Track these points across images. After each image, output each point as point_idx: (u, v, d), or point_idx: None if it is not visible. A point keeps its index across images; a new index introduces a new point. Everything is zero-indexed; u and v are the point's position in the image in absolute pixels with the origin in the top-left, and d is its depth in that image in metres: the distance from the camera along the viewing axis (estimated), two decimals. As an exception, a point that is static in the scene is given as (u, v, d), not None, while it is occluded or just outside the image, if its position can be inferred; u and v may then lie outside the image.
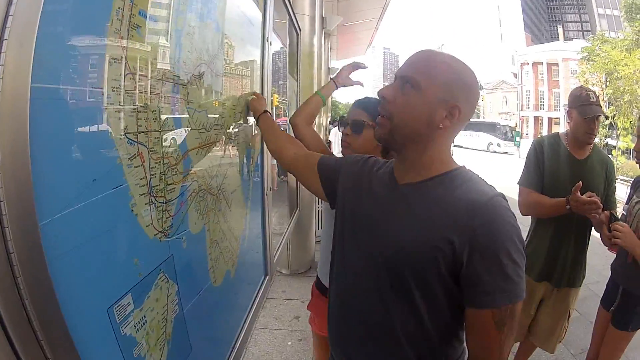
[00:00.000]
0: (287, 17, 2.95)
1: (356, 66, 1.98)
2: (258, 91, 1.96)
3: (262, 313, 3.48)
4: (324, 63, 5.11)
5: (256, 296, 1.89)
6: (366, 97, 1.73)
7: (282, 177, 4.96)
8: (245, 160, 1.77)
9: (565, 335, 2.38)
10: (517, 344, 2.58)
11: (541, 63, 37.31)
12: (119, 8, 0.75)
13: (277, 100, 4.50)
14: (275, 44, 2.69)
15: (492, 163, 19.00)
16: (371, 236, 1.04)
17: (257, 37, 1.93)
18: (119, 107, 0.77)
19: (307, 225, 4.39)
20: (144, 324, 0.85)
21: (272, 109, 2.40)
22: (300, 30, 3.52)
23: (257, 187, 1.99)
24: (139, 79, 0.84)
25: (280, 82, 4.52)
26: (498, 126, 30.13)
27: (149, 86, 0.88)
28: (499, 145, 28.81)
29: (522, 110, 39.55)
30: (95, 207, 0.70)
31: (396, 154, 1.06)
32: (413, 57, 1.00)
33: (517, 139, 28.09)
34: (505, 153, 27.13)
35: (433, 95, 0.94)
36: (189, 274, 1.11)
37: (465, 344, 1.00)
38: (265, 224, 2.08)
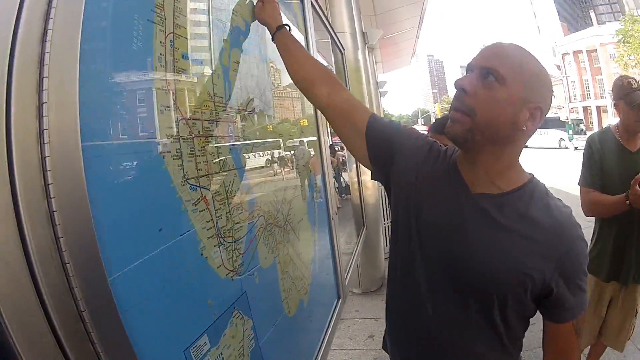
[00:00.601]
0: (329, 37, 2.95)
1: None
2: (308, 112, 1.95)
3: (336, 334, 3.45)
4: (371, 77, 5.07)
5: (330, 320, 1.85)
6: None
7: (344, 195, 4.92)
8: (308, 186, 1.76)
9: (633, 333, 2.27)
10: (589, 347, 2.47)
11: (581, 51, 35.90)
12: (160, 55, 0.75)
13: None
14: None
15: (547, 160, 17.73)
16: (446, 250, 0.93)
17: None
18: (176, 154, 0.77)
19: (374, 242, 4.32)
20: None
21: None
22: (344, 49, 3.52)
23: (323, 212, 1.96)
24: (193, 123, 0.84)
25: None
26: (567, 120, 28.08)
27: (203, 128, 0.88)
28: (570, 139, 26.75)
29: (570, 102, 37.68)
30: (165, 256, 0.70)
31: (465, 155, 0.94)
32: (493, 48, 0.88)
33: (570, 132, 25.95)
34: (577, 148, 25.11)
35: (518, 92, 0.83)
36: (263, 308, 1.10)
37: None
38: (335, 248, 2.05)
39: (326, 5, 3.70)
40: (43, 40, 0.50)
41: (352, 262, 2.77)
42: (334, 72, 3.52)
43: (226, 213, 0.93)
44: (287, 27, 1.24)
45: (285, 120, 1.56)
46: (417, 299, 0.98)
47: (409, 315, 1.02)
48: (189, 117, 0.83)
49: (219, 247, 0.88)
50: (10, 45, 0.46)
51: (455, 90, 0.89)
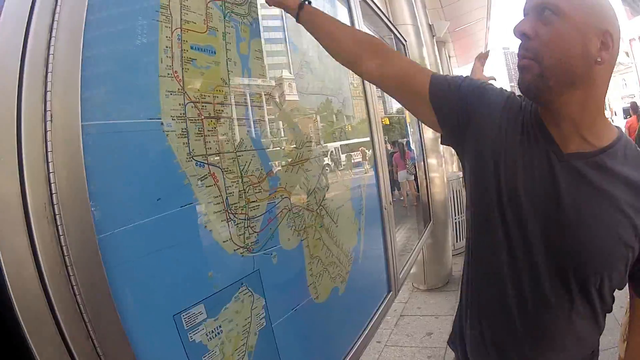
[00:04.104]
0: (386, 28, 2.94)
1: (483, 57, 1.84)
2: (364, 111, 1.94)
3: (394, 331, 3.40)
4: (443, 72, 4.93)
5: (375, 312, 1.83)
6: None
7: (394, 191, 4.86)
8: (353, 174, 1.77)
9: None
10: None
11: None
12: (166, 47, 0.84)
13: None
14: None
15: None
16: (541, 222, 0.83)
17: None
18: (182, 133, 0.85)
19: (442, 238, 4.20)
20: (218, 333, 0.89)
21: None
22: (405, 41, 3.47)
23: (373, 201, 1.94)
24: (202, 106, 0.91)
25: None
26: None
27: (214, 110, 0.95)
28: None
29: (642, 89, 33.16)
30: (161, 224, 0.77)
31: (547, 110, 0.84)
32: None
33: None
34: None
35: (580, 20, 0.74)
36: (280, 289, 1.13)
37: None
38: (387, 239, 2.01)
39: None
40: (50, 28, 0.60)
41: (411, 256, 2.72)
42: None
43: (239, 191, 0.99)
44: (308, 3, 1.11)
45: (328, 111, 1.59)
46: (512, 280, 0.90)
47: (500, 299, 0.93)
48: (197, 100, 0.90)
49: (227, 222, 0.94)
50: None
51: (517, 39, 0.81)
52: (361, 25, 2.02)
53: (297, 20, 1.12)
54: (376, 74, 1.05)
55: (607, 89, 0.81)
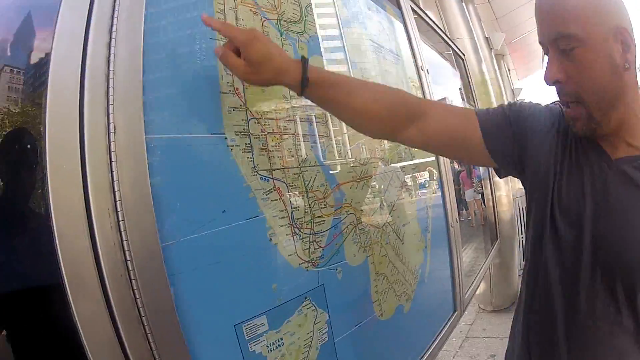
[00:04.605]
0: (444, 43, 2.90)
1: None
2: None
3: (459, 352, 3.35)
4: (504, 87, 4.81)
5: (440, 333, 1.75)
6: None
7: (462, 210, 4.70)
8: (419, 191, 1.73)
9: None
10: None
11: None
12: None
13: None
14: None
15: None
16: (588, 230, 0.80)
17: (410, 68, 1.92)
18: (246, 148, 0.86)
19: (508, 257, 4.06)
20: (279, 345, 0.88)
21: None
22: (464, 55, 3.41)
23: (439, 218, 1.89)
24: (265, 122, 0.93)
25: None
26: None
27: (277, 126, 0.96)
28: None
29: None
30: (226, 235, 0.79)
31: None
32: (543, 11, 0.77)
33: None
34: None
35: (597, 36, 0.71)
36: (344, 305, 1.11)
37: None
38: (454, 257, 1.94)
39: (439, 14, 3.65)
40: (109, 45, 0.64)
41: (477, 275, 2.61)
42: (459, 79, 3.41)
43: (304, 206, 0.99)
44: (306, 61, 0.82)
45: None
46: (562, 293, 0.86)
47: (547, 311, 0.89)
48: (260, 116, 0.92)
49: (292, 236, 0.94)
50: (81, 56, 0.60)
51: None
52: (418, 42, 2.00)
53: (301, 94, 0.85)
54: (419, 140, 0.95)
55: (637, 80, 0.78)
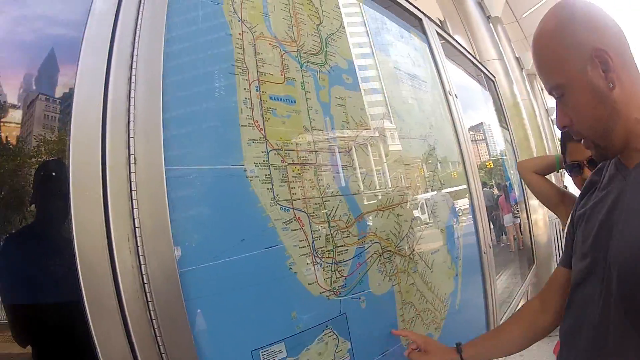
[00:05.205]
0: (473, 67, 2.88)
1: None
2: (456, 151, 1.89)
3: None
4: (538, 108, 4.70)
5: None
6: None
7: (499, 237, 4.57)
8: (449, 218, 1.70)
9: None
10: None
11: None
12: (245, 98, 0.89)
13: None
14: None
15: None
16: (600, 238, 0.81)
17: (438, 93, 1.92)
18: (265, 179, 0.88)
19: (545, 279, 3.76)
20: None
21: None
22: (494, 77, 3.36)
23: (471, 245, 1.85)
24: (285, 153, 0.95)
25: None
26: None
27: (298, 157, 0.98)
28: None
29: None
30: (245, 263, 0.81)
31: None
32: (535, 68, 0.85)
33: None
34: None
35: (574, 73, 0.76)
36: (368, 334, 1.09)
37: None
38: (487, 284, 1.88)
39: (468, 37, 3.63)
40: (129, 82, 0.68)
41: (514, 301, 2.49)
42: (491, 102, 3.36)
43: (326, 235, 0.99)
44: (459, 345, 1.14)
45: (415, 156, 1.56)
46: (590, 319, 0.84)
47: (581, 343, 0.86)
48: (280, 147, 0.94)
49: (313, 265, 0.94)
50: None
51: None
52: (445, 67, 1.99)
53: None
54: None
55: (637, 94, 0.78)
